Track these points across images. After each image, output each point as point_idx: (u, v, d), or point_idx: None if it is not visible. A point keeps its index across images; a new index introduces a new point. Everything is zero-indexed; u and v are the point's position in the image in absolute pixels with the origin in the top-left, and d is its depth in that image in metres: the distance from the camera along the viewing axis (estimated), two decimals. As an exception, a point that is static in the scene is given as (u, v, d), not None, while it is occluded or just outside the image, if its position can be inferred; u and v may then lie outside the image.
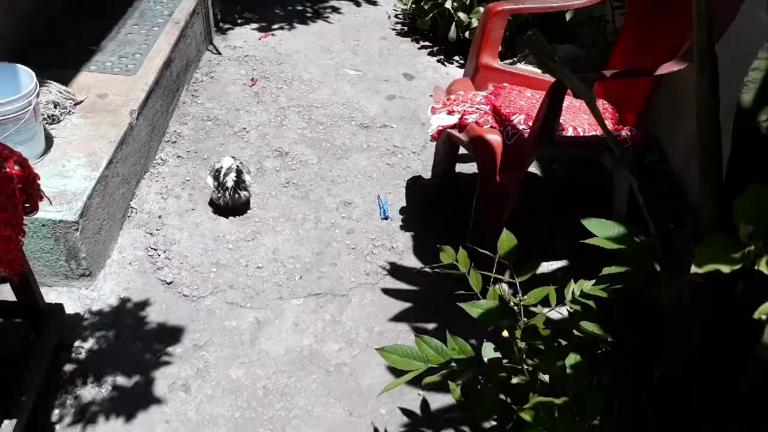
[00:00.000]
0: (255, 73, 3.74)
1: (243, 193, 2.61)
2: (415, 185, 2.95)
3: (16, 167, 1.51)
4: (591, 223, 1.23)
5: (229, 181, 2.55)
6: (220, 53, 3.89)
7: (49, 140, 2.38)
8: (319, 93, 3.60)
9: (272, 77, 3.71)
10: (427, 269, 1.37)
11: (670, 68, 1.94)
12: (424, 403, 1.96)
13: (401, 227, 2.71)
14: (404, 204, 2.85)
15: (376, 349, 1.32)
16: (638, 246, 1.18)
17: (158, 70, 2.93)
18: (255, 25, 4.25)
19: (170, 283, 2.34)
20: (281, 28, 4.26)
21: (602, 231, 1.22)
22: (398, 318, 2.27)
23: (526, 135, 2.13)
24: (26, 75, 2.23)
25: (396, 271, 2.49)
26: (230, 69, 3.76)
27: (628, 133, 2.19)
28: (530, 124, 2.16)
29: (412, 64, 4.04)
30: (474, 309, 1.27)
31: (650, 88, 2.19)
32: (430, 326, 2.22)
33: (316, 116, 3.39)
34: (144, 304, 2.26)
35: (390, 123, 3.40)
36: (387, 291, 2.39)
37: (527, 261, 1.37)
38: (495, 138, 2.17)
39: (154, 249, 2.47)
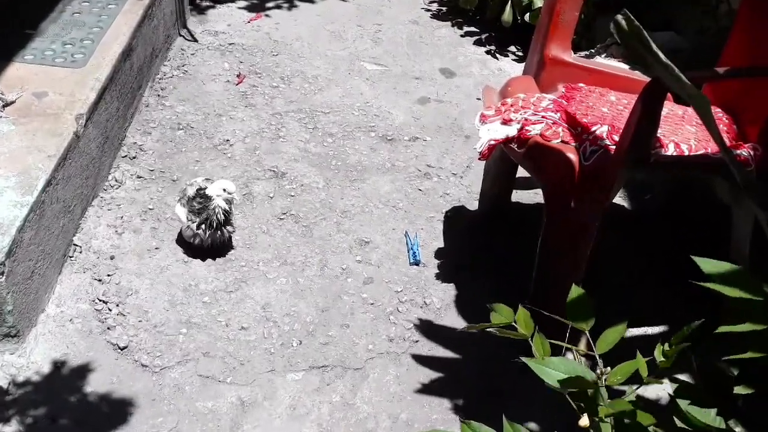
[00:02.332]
0: (242, 67, 3.79)
1: (227, 230, 2.66)
2: (456, 219, 2.96)
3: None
4: (706, 263, 1.22)
5: (215, 214, 2.58)
6: (196, 40, 3.96)
7: (-33, 153, 2.40)
8: (328, 94, 3.64)
9: (265, 73, 3.76)
10: (474, 329, 1.36)
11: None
12: None
13: (437, 276, 2.71)
14: (441, 244, 2.85)
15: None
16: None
17: (114, 62, 2.97)
18: (243, 3, 4.33)
19: (124, 348, 2.35)
20: (278, 6, 4.34)
21: (720, 274, 1.21)
22: (432, 400, 2.27)
23: (611, 153, 2.15)
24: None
25: (430, 335, 2.49)
26: (209, 61, 3.81)
27: (751, 152, 2.18)
28: (616, 138, 2.17)
29: (453, 57, 4.07)
30: (545, 369, 1.26)
31: (780, 91, 2.21)
32: (477, 405, 2.24)
33: (322, 125, 3.43)
34: (88, 376, 2.26)
35: (422, 135, 3.44)
36: (417, 363, 2.39)
37: (609, 322, 1.37)
38: (568, 157, 2.18)
39: (104, 301, 2.48)
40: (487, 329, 1.35)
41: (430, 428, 2.19)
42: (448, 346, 2.45)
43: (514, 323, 1.36)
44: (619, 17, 1.26)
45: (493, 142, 2.33)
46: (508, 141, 2.32)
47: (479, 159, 2.40)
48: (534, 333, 1.36)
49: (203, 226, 2.61)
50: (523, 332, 1.35)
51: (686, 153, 2.18)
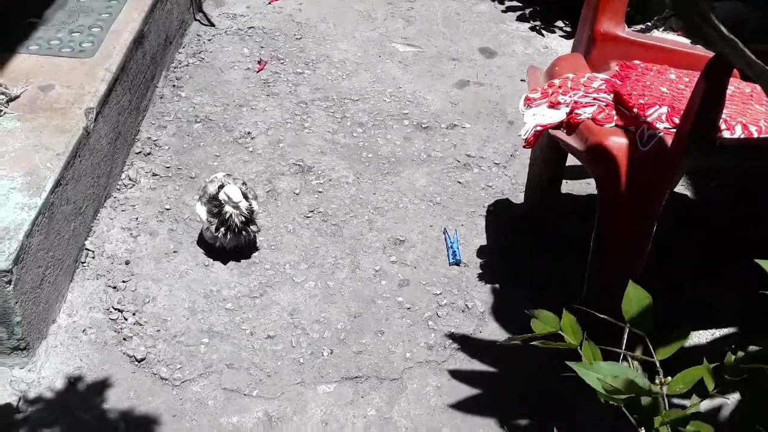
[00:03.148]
0: (263, 52, 3.82)
1: (251, 229, 2.67)
2: (499, 214, 2.97)
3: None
4: (773, 265, 1.19)
5: (236, 216, 2.59)
6: (213, 24, 4.00)
7: (-30, 153, 2.44)
8: (356, 80, 3.67)
9: (288, 58, 3.78)
10: (516, 341, 1.36)
11: None
12: None
13: (479, 277, 2.73)
14: (483, 242, 2.86)
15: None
16: None
17: (125, 51, 2.99)
18: (263, -17, 4.37)
19: (142, 360, 2.38)
20: (300, -14, 4.36)
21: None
22: (477, 414, 2.28)
23: (671, 138, 2.14)
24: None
25: (473, 343, 2.50)
26: (228, 47, 3.84)
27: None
28: (677, 120, 2.16)
29: (494, 35, 4.06)
30: (593, 375, 1.23)
31: None
32: (525, 424, 2.24)
33: (351, 114, 3.45)
34: (104, 391, 2.28)
35: (461, 122, 3.45)
36: (459, 373, 2.40)
37: (670, 327, 1.35)
38: (622, 142, 2.16)
39: (119, 310, 2.51)
40: (531, 342, 1.34)
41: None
42: (493, 354, 2.45)
43: (560, 332, 1.34)
44: (677, -14, 1.23)
45: (539, 128, 2.32)
46: (556, 126, 2.31)
47: (524, 147, 2.39)
48: (583, 340, 1.34)
49: (222, 229, 2.61)
50: (570, 341, 1.33)
51: (755, 135, 2.15)
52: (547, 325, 1.35)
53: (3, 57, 2.85)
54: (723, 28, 1.22)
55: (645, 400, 1.22)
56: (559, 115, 2.31)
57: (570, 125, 2.29)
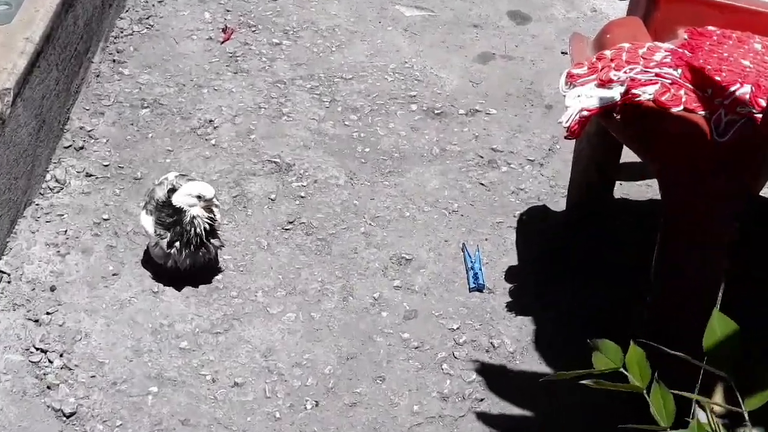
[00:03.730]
0: (230, 17, 3.72)
1: (212, 243, 2.57)
2: (534, 225, 2.90)
3: None
4: None
5: (194, 223, 2.51)
6: (165, -20, 3.88)
7: None
8: (350, 53, 3.58)
9: (262, 25, 3.70)
10: (564, 377, 1.39)
11: None
12: None
13: (508, 306, 2.62)
14: (513, 262, 2.77)
15: None
16: None
17: (51, 16, 2.89)
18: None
19: (71, 415, 2.25)
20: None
21: None
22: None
23: (757, 123, 2.03)
24: None
25: (500, 391, 2.39)
26: (184, 11, 3.74)
27: None
28: (763, 103, 2.04)
29: None
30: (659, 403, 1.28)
31: None
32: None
33: (343, 97, 3.36)
34: (20, 458, 2.16)
35: (484, 106, 3.35)
36: (483, 430, 2.32)
37: (756, 364, 1.33)
38: (695, 130, 2.06)
39: (42, 350, 2.39)
40: (582, 380, 1.36)
41: None
42: (525, 406, 2.37)
43: (623, 369, 1.36)
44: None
45: (586, 113, 2.21)
46: (607, 110, 2.20)
47: (567, 137, 2.29)
48: (651, 383, 1.35)
49: (177, 243, 2.52)
50: (636, 382, 1.34)
51: None
52: (611, 359, 1.38)
53: None
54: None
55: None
56: (612, 95, 2.19)
57: (625, 109, 2.18)
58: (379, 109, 3.31)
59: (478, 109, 3.34)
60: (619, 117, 2.18)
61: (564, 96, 2.27)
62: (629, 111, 2.16)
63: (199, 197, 2.51)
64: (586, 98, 2.21)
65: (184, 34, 3.60)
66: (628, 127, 2.21)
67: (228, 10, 3.74)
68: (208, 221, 2.53)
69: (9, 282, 2.56)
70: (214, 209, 2.57)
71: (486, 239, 2.83)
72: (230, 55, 3.52)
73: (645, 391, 1.33)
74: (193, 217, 2.50)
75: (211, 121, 3.20)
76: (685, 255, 2.19)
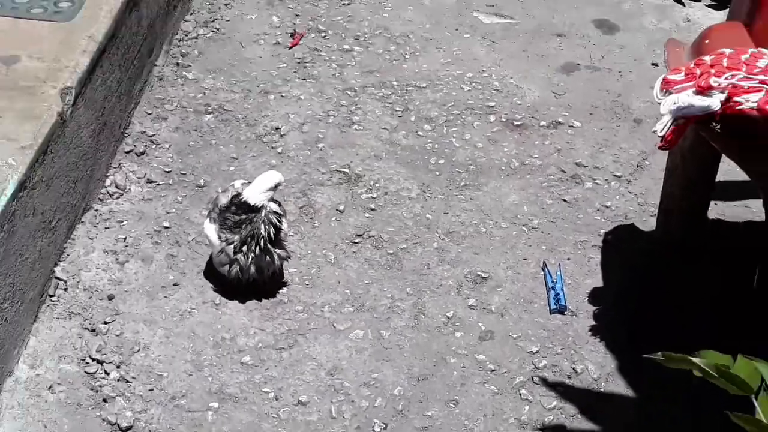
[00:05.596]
0: (299, 22, 3.61)
1: (277, 253, 2.45)
2: (621, 244, 2.76)
3: None
4: None
5: (260, 231, 2.40)
6: (232, -18, 3.87)
7: None
8: (424, 61, 3.45)
9: (332, 30, 3.58)
10: (670, 362, 1.27)
11: None
12: None
13: (592, 330, 2.49)
14: (598, 283, 2.64)
15: None
16: None
17: (115, 14, 2.84)
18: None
19: (127, 429, 2.16)
20: (349, -66, 4.04)
21: None
22: None
23: None
24: None
25: (583, 418, 2.27)
26: (251, 14, 3.64)
27: None
28: None
29: (615, 3, 3.89)
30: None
31: None
32: None
33: (416, 106, 3.23)
34: (75, 471, 2.17)
35: (568, 119, 3.22)
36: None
37: None
38: None
39: (99, 361, 2.30)
40: (691, 368, 1.29)
41: None
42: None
43: (739, 375, 1.29)
44: None
45: (682, 121, 2.09)
46: (706, 119, 2.08)
47: (660, 147, 2.16)
48: (761, 388, 1.29)
49: (244, 247, 2.41)
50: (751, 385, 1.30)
51: None
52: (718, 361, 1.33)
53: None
54: None
55: None
56: (712, 103, 2.05)
57: (727, 117, 2.05)
58: (454, 120, 3.17)
59: (560, 122, 3.21)
60: (719, 126, 2.07)
61: (659, 103, 2.17)
62: (731, 119, 2.04)
63: (276, 186, 2.44)
64: (684, 105, 2.08)
65: (250, 39, 3.52)
66: (730, 137, 2.09)
67: (297, 15, 3.65)
68: (275, 225, 2.42)
69: (65, 289, 2.50)
70: (283, 217, 2.51)
71: (568, 259, 2.71)
72: (298, 60, 3.42)
73: (753, 395, 1.25)
74: (269, 212, 2.41)
75: (277, 128, 3.10)
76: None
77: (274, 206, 2.47)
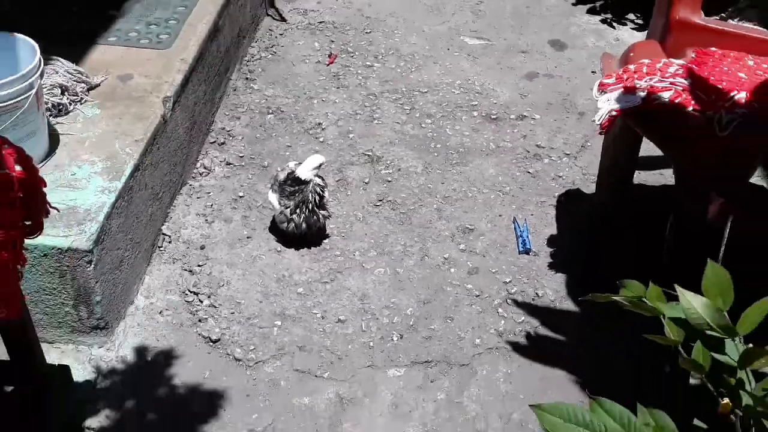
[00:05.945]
0: (334, 46, 3.88)
1: (321, 213, 2.70)
2: (570, 204, 2.97)
3: (17, 167, 1.56)
4: None
5: (308, 197, 2.62)
6: (284, 19, 4.07)
7: (53, 138, 2.48)
8: (425, 72, 3.70)
9: (358, 51, 3.84)
10: (600, 299, 1.37)
11: None
12: None
13: (550, 266, 2.73)
14: (553, 231, 2.87)
15: (531, 406, 1.33)
16: None
17: (200, 43, 3.06)
18: (333, -21, 4.42)
19: (216, 341, 2.42)
20: (370, -19, 4.40)
21: None
22: (548, 401, 2.19)
23: (750, 123, 2.11)
24: (27, 48, 2.32)
25: (543, 329, 2.50)
26: (299, 41, 3.91)
27: None
28: (757, 105, 2.13)
29: (564, 27, 4.08)
30: (672, 327, 1.27)
31: None
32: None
33: (420, 105, 3.48)
34: (179, 370, 2.33)
35: (531, 113, 3.46)
36: (530, 360, 2.40)
37: (747, 304, 1.32)
38: (702, 127, 2.14)
39: (195, 293, 2.57)
40: (617, 300, 1.35)
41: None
42: (564, 341, 2.45)
43: (643, 299, 1.34)
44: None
45: (614, 113, 2.30)
46: (631, 111, 2.28)
47: (599, 133, 2.41)
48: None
49: (297, 210, 2.64)
50: (656, 306, 1.32)
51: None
52: (634, 292, 1.35)
53: (83, 48, 2.92)
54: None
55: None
56: (635, 99, 2.28)
57: (645, 111, 2.26)
58: (448, 115, 3.43)
59: (525, 115, 3.45)
60: (640, 117, 2.29)
61: (596, 100, 2.36)
62: (649, 111, 2.25)
63: (320, 165, 2.64)
64: (614, 101, 2.30)
65: (299, 59, 3.79)
66: (649, 124, 2.28)
67: (332, 41, 3.89)
68: (319, 194, 2.63)
69: (170, 242, 2.74)
70: (324, 188, 2.68)
71: (532, 214, 2.93)
72: (334, 74, 3.69)
73: (662, 315, 1.32)
74: (315, 184, 2.62)
75: (319, 123, 3.36)
76: (692, 227, 2.26)
77: (318, 180, 2.66)
